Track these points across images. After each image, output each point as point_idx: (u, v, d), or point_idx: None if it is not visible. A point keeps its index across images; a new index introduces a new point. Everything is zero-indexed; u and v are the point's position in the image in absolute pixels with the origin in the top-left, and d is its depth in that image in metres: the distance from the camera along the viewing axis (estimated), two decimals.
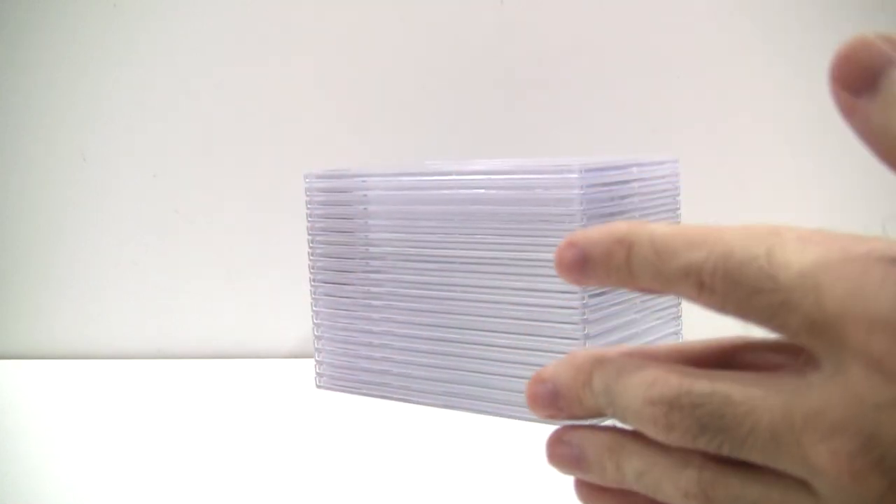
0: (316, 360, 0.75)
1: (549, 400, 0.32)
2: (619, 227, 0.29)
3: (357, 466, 0.58)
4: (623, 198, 0.65)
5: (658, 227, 0.28)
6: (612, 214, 0.64)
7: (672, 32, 0.82)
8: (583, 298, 0.61)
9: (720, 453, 0.27)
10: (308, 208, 0.74)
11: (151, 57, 0.90)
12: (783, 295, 0.25)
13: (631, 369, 0.29)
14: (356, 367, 0.73)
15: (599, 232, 0.29)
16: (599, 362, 0.30)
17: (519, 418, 0.64)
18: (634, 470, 0.30)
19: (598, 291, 0.62)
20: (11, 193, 0.95)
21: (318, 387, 0.75)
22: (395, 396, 0.71)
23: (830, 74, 0.25)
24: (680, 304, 0.72)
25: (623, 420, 0.29)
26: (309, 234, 0.75)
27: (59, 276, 0.94)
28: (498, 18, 0.84)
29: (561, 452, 0.32)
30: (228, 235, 0.90)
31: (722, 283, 0.26)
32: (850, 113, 0.25)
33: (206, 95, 0.90)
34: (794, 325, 0.25)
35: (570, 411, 0.31)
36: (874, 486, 0.24)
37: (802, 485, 0.26)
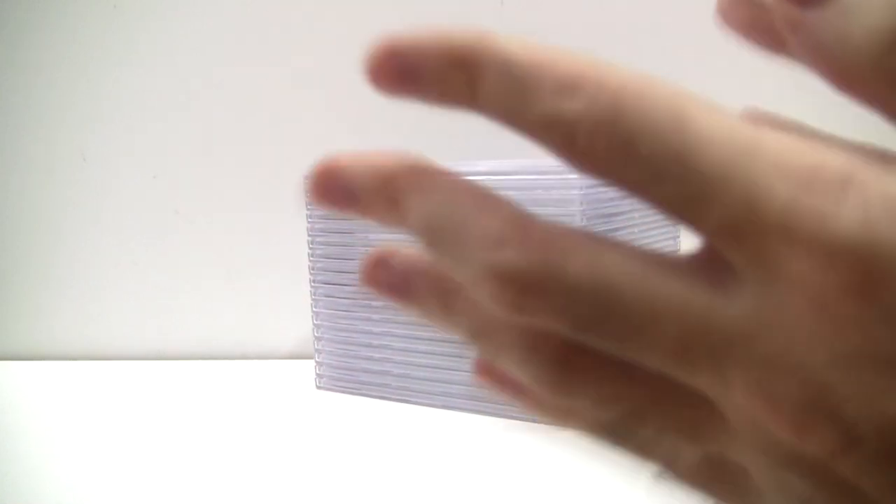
0: (316, 361, 0.75)
1: (341, 196, 0.23)
2: (462, 38, 0.20)
3: (357, 467, 0.58)
4: (623, 198, 0.65)
5: (517, 49, 0.20)
6: (612, 215, 0.64)
7: (672, 33, 0.82)
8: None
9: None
10: (308, 209, 0.74)
11: (151, 57, 0.90)
12: (696, 186, 0.19)
13: (469, 208, 0.20)
14: (356, 367, 0.73)
15: (433, 42, 0.21)
16: (418, 181, 0.22)
17: (519, 419, 0.64)
18: (468, 329, 0.23)
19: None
20: (11, 193, 0.95)
21: (318, 388, 0.75)
22: (394, 397, 0.71)
23: None
24: (679, 235, 0.71)
25: (450, 273, 0.22)
26: (309, 235, 0.75)
27: (59, 276, 0.94)
28: (498, 18, 0.84)
29: (379, 277, 0.24)
30: (228, 235, 0.90)
31: (605, 151, 0.19)
32: (795, 29, 0.21)
33: (206, 95, 0.90)
34: (710, 226, 0.19)
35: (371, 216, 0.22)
36: (825, 440, 0.19)
37: (702, 397, 0.21)
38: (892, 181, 0.19)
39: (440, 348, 0.68)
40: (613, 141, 0.19)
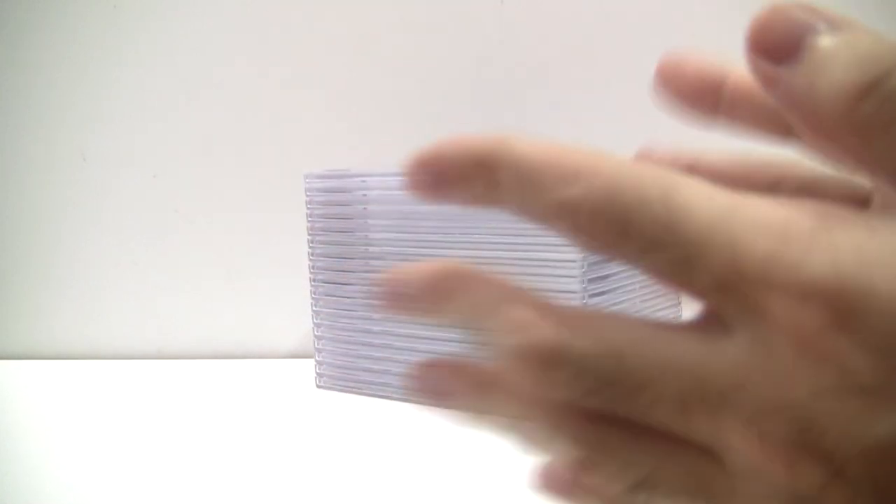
0: (316, 360, 0.75)
1: (400, 297, 0.27)
2: (481, 144, 0.23)
3: (357, 466, 0.58)
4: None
5: (527, 148, 0.23)
6: None
7: (672, 33, 0.82)
8: (583, 298, 0.61)
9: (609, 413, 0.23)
10: (308, 208, 0.74)
11: (151, 57, 0.90)
12: (685, 250, 0.21)
13: (498, 303, 0.24)
14: (356, 367, 0.73)
15: (457, 149, 0.24)
16: (459, 282, 0.25)
17: None
18: (506, 413, 0.26)
19: (597, 292, 0.62)
20: (11, 193, 0.95)
21: (319, 387, 0.75)
22: (395, 396, 0.71)
23: (747, 44, 0.23)
24: (681, 303, 0.72)
25: (484, 366, 0.26)
26: (309, 235, 0.75)
27: (59, 276, 0.94)
28: (498, 18, 0.84)
29: (425, 385, 0.28)
30: (228, 235, 0.90)
31: (604, 231, 0.22)
32: (770, 83, 0.23)
33: (206, 95, 0.90)
34: (701, 285, 0.21)
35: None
36: (813, 475, 0.21)
37: (707, 452, 0.22)
38: (856, 226, 0.21)
39: (440, 348, 0.68)
40: (611, 219, 0.22)
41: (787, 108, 0.23)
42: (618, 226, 0.22)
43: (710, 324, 0.22)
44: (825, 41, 0.22)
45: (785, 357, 0.21)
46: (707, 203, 0.21)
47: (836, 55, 0.22)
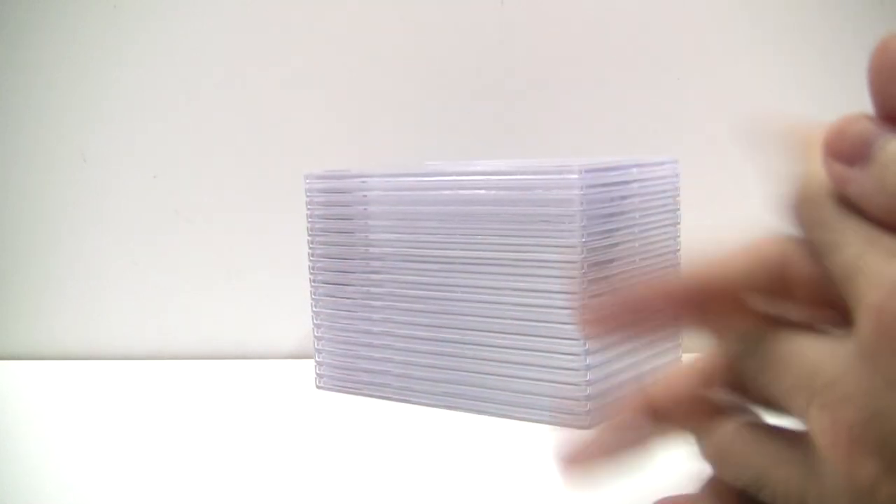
0: (316, 361, 0.75)
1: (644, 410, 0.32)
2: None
3: (357, 467, 0.58)
4: (623, 198, 0.65)
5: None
6: (612, 215, 0.64)
7: (672, 33, 0.82)
8: (583, 299, 0.61)
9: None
10: (308, 209, 0.74)
11: (151, 57, 0.90)
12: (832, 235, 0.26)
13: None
14: (356, 367, 0.73)
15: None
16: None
17: (519, 419, 0.64)
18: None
19: (598, 292, 0.62)
20: (11, 193, 0.95)
21: (319, 387, 0.75)
22: (395, 397, 0.71)
23: (825, 149, 0.27)
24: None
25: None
26: (309, 235, 0.74)
27: (59, 276, 0.94)
28: (498, 18, 0.84)
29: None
30: (228, 235, 0.90)
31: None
32: (843, 182, 0.26)
33: (206, 95, 0.90)
34: (833, 264, 0.26)
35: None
36: (868, 467, 0.23)
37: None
38: None
39: (440, 348, 0.68)
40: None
41: (860, 203, 0.26)
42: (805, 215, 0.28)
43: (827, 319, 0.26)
44: (892, 144, 0.26)
45: (870, 347, 0.23)
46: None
47: None
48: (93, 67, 0.91)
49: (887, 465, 0.22)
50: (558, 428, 0.61)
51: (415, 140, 0.87)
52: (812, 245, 0.27)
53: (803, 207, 0.27)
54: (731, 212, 0.80)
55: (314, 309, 0.75)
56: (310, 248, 0.75)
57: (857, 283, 0.24)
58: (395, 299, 0.70)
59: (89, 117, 0.92)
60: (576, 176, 0.61)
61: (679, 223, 0.70)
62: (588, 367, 0.61)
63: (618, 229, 0.64)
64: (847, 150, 0.26)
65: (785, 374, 0.26)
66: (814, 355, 0.26)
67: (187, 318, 0.91)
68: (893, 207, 0.25)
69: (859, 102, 0.28)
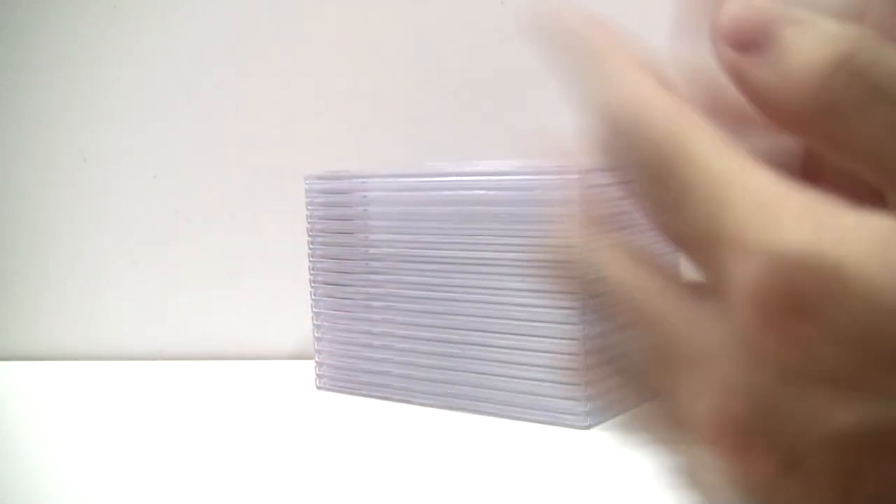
0: (316, 362, 0.75)
1: None
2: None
3: (357, 467, 0.58)
4: (623, 198, 0.65)
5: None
6: (612, 215, 0.64)
7: (672, 33, 0.82)
8: (583, 298, 0.61)
9: None
10: (308, 209, 0.74)
11: (151, 57, 0.90)
12: (677, 192, 0.22)
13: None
14: (356, 368, 0.73)
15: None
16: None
17: (519, 419, 0.64)
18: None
19: (598, 292, 0.62)
20: (11, 193, 0.95)
21: (319, 388, 0.75)
22: (395, 398, 0.71)
23: (715, 31, 0.23)
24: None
25: None
26: (309, 235, 0.74)
27: (59, 276, 0.94)
28: (498, 18, 0.84)
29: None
30: (228, 235, 0.90)
31: (617, 149, 0.25)
32: (739, 74, 0.23)
33: (206, 95, 0.90)
34: (681, 233, 0.23)
35: None
36: (766, 463, 0.20)
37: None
38: (849, 216, 0.20)
39: (441, 348, 0.68)
40: (624, 136, 0.24)
41: (759, 99, 0.23)
42: (629, 149, 0.24)
43: (697, 287, 0.22)
44: (792, 28, 0.22)
45: (751, 332, 0.20)
46: (716, 154, 0.21)
47: (803, 38, 0.22)
48: (93, 67, 0.91)
49: (790, 461, 0.19)
50: (558, 428, 0.61)
51: (415, 140, 0.87)
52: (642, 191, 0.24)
53: (624, 140, 0.24)
54: None
55: (314, 309, 0.75)
56: (310, 248, 0.75)
57: (720, 252, 0.20)
58: (395, 300, 0.70)
59: (89, 117, 0.92)
60: (576, 176, 0.61)
61: None
62: (588, 367, 0.61)
63: (618, 229, 0.64)
64: (740, 37, 0.23)
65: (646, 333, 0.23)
66: (675, 318, 0.22)
67: (187, 318, 0.91)
68: (795, 99, 0.22)
69: None
